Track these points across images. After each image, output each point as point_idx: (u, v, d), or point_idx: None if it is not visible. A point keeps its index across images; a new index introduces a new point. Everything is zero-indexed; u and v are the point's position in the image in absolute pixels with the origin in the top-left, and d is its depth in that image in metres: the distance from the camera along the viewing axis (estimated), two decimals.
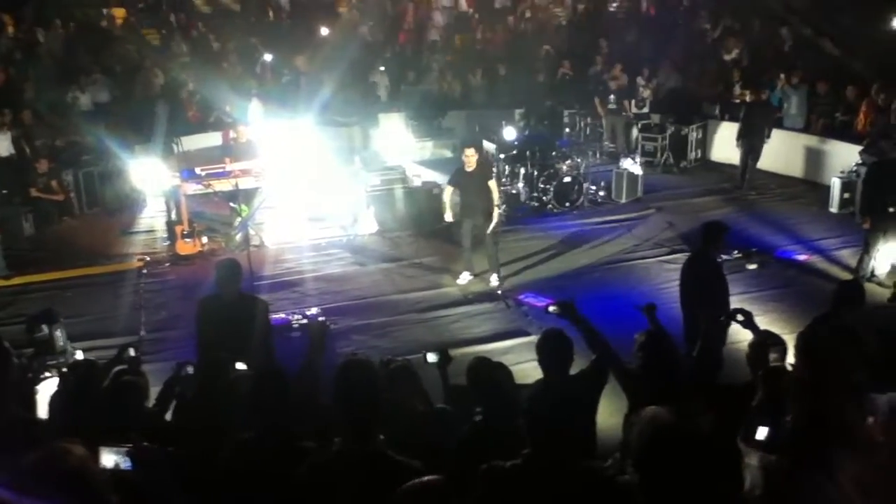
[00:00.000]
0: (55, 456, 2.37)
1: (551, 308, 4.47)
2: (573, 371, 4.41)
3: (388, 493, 2.76)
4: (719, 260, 7.02)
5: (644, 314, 5.18)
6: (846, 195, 11.81)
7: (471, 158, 9.33)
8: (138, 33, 17.29)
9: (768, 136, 13.06)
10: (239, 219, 11.03)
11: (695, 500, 2.30)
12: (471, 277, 9.64)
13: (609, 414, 4.81)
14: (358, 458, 2.87)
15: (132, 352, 5.28)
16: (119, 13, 17.48)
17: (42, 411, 4.91)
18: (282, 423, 3.32)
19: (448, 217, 9.60)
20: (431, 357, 4.87)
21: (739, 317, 4.93)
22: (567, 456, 2.96)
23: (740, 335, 5.68)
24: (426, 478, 2.69)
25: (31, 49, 15.22)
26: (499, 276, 9.43)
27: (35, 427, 3.38)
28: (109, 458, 2.78)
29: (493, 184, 9.47)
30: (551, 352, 4.30)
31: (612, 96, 15.24)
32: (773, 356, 4.13)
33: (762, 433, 3.56)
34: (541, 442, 2.95)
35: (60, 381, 4.21)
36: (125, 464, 2.79)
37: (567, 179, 12.22)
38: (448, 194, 9.62)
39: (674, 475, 2.34)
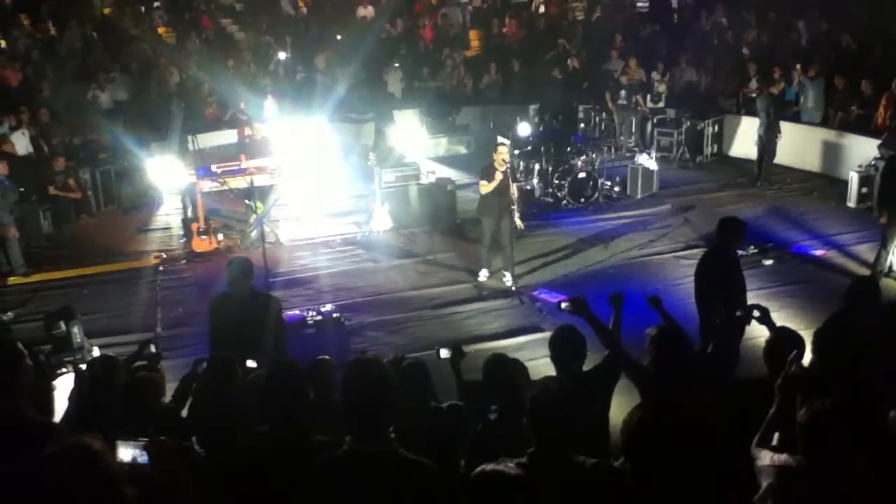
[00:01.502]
0: (74, 449, 2.41)
1: (563, 305, 4.47)
2: (586, 367, 4.41)
3: (399, 492, 2.77)
4: (736, 256, 6.97)
5: (651, 306, 5.17)
6: (864, 190, 11.70)
7: (504, 155, 9.07)
8: (154, 32, 17.39)
9: (779, 131, 12.92)
10: (254, 216, 11.06)
11: (687, 488, 2.28)
12: (489, 275, 9.61)
13: (622, 410, 4.78)
14: (368, 457, 2.87)
15: (153, 348, 5.31)
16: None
17: (59, 407, 4.97)
18: (296, 417, 3.33)
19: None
20: (444, 353, 4.87)
21: (756, 313, 4.90)
22: (572, 453, 2.96)
23: (756, 332, 5.64)
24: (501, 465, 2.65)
25: (48, 48, 15.34)
26: (513, 276, 9.41)
27: (49, 429, 3.41)
28: (126, 452, 2.80)
29: (514, 184, 9.43)
30: (563, 348, 4.30)
31: (622, 91, 15.17)
32: (793, 367, 4.03)
33: (776, 439, 3.54)
34: (545, 440, 2.96)
35: (76, 377, 4.24)
36: (142, 458, 2.81)
37: (582, 175, 12.18)
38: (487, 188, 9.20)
39: (659, 460, 2.33)
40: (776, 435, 3.56)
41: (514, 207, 9.20)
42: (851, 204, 11.86)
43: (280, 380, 3.45)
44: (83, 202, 12.65)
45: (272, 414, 3.35)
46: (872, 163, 11.68)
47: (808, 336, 4.57)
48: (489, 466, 2.88)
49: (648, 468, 2.36)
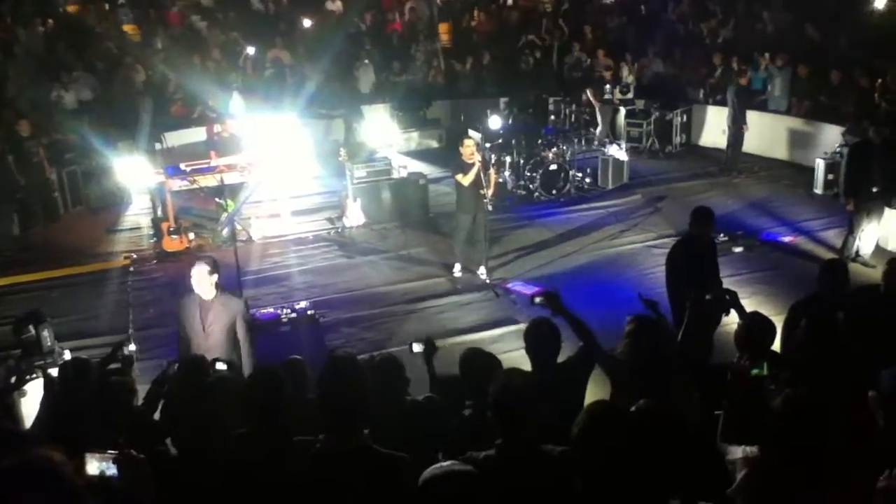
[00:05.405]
0: (29, 461, 2.36)
1: (536, 300, 4.49)
2: (561, 358, 4.43)
3: (375, 487, 2.76)
4: (712, 244, 7.03)
5: (646, 306, 5.20)
6: (830, 176, 11.88)
7: (472, 148, 9.01)
8: (119, 29, 17.12)
9: (744, 121, 13.00)
10: (225, 214, 10.96)
11: (635, 478, 2.31)
12: (462, 269, 9.59)
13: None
14: (343, 454, 2.87)
15: (126, 350, 5.24)
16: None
17: (30, 412, 4.89)
18: (277, 418, 3.31)
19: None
20: (417, 347, 4.86)
21: (725, 297, 4.97)
22: (539, 442, 2.98)
23: (726, 318, 5.73)
24: (450, 464, 2.66)
25: (9, 47, 15.05)
26: (486, 269, 9.41)
27: (17, 437, 3.35)
28: (95, 465, 2.75)
29: (491, 174, 9.32)
30: (538, 340, 4.32)
31: (606, 86, 15.21)
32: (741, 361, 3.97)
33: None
34: (509, 431, 2.97)
35: (46, 381, 4.18)
36: (110, 470, 2.75)
37: (553, 167, 12.22)
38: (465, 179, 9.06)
39: (601, 451, 2.37)
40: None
41: (487, 200, 9.15)
42: (818, 191, 12.03)
43: (262, 379, 3.43)
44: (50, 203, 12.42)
45: (253, 415, 3.32)
46: (837, 150, 11.86)
47: (778, 321, 4.64)
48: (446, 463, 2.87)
49: (593, 456, 2.40)
